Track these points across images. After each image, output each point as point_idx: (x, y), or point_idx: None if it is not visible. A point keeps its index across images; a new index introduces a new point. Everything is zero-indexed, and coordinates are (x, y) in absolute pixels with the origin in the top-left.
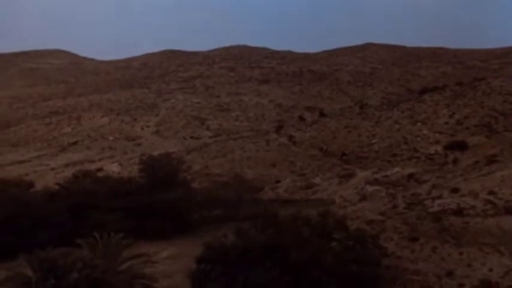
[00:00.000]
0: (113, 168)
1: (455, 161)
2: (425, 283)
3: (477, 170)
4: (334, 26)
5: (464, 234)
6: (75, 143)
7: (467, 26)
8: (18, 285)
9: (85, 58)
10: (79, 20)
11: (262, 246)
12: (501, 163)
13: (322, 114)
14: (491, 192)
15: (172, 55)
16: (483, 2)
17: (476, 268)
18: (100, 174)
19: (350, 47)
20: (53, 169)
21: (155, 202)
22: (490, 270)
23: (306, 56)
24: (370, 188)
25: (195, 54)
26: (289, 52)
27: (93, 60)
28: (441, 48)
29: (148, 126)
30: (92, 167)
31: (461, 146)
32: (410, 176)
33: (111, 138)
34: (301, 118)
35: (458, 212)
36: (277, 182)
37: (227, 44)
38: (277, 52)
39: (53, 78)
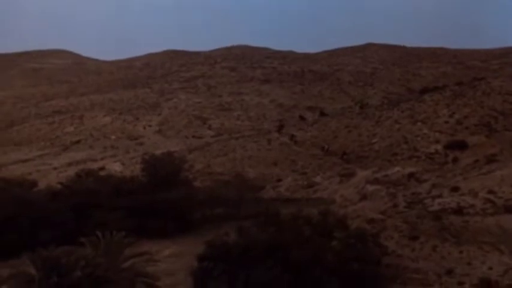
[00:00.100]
0: (115, 167)
1: (455, 160)
2: (426, 281)
3: (477, 169)
4: (334, 26)
5: (464, 233)
6: (77, 142)
7: (467, 26)
8: (22, 283)
9: (88, 58)
10: (79, 20)
11: (263, 245)
12: (501, 162)
13: (322, 113)
14: (490, 191)
15: (175, 55)
16: (483, 2)
17: (476, 266)
18: (102, 173)
19: (351, 47)
20: (55, 168)
21: (157, 201)
22: (490, 268)
23: (307, 56)
24: (370, 187)
25: (197, 54)
26: (291, 52)
27: (96, 60)
28: (441, 49)
29: (150, 126)
30: (95, 166)
31: (461, 146)
32: (411, 175)
33: (113, 137)
34: (301, 118)
35: (458, 210)
36: (279, 181)
37: (227, 43)
38: (279, 52)
39: (55, 78)
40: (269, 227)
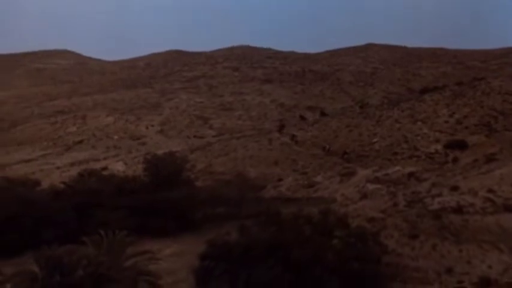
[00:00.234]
0: (117, 167)
1: (455, 159)
2: (425, 280)
3: (476, 169)
4: (335, 26)
5: (463, 232)
6: (80, 142)
7: (467, 26)
8: (25, 281)
9: (90, 58)
10: (79, 20)
11: (264, 244)
12: (500, 161)
13: (323, 113)
14: (490, 190)
15: (177, 55)
16: (483, 2)
17: (476, 265)
18: (105, 173)
19: (351, 48)
20: (58, 168)
21: (159, 200)
22: (490, 267)
23: (308, 56)
24: (370, 186)
25: (199, 54)
26: (292, 52)
27: (98, 60)
28: (441, 49)
29: (152, 126)
30: (97, 165)
31: (461, 145)
32: (411, 174)
33: (115, 137)
34: (302, 117)
35: (458, 209)
36: (280, 180)
37: (227, 43)
38: (280, 52)
39: (59, 78)
40: (270, 227)
